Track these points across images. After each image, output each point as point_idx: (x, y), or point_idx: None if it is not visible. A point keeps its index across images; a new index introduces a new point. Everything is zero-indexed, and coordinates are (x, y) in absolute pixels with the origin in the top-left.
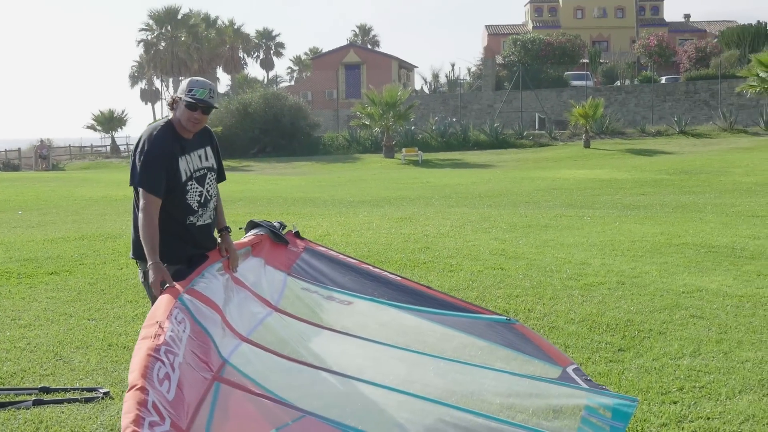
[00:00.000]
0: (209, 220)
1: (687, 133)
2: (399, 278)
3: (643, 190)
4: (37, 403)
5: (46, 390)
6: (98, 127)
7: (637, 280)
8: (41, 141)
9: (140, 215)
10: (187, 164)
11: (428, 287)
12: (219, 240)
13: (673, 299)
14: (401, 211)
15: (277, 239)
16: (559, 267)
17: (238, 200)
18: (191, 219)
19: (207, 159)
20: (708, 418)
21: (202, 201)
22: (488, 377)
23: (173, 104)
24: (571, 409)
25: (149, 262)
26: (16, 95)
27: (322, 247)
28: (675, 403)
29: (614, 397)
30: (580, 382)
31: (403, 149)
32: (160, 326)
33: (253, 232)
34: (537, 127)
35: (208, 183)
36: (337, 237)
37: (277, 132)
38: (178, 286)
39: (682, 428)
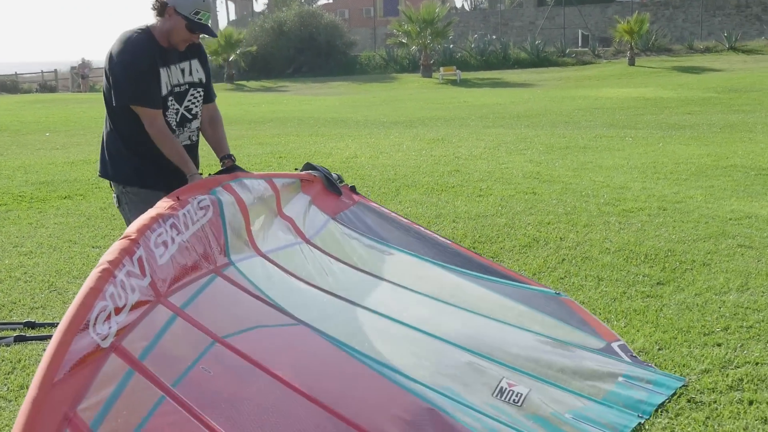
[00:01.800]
0: (188, 141)
1: (737, 49)
2: (450, 242)
3: (690, 109)
4: (19, 339)
5: (30, 325)
6: None
7: (680, 205)
8: (83, 60)
9: (152, 134)
10: (168, 77)
11: (479, 255)
12: (222, 167)
13: (719, 227)
14: (434, 132)
15: (330, 187)
16: (596, 191)
17: (268, 121)
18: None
19: (191, 73)
20: (756, 363)
21: (179, 120)
22: (520, 335)
23: (162, 10)
24: (607, 374)
25: (188, 174)
26: (53, 18)
27: (375, 203)
28: (719, 345)
29: (660, 374)
30: (623, 356)
31: (441, 68)
32: (177, 199)
33: (310, 171)
34: (580, 44)
35: (189, 100)
36: (364, 159)
37: (313, 51)
38: (220, 176)
39: (727, 375)
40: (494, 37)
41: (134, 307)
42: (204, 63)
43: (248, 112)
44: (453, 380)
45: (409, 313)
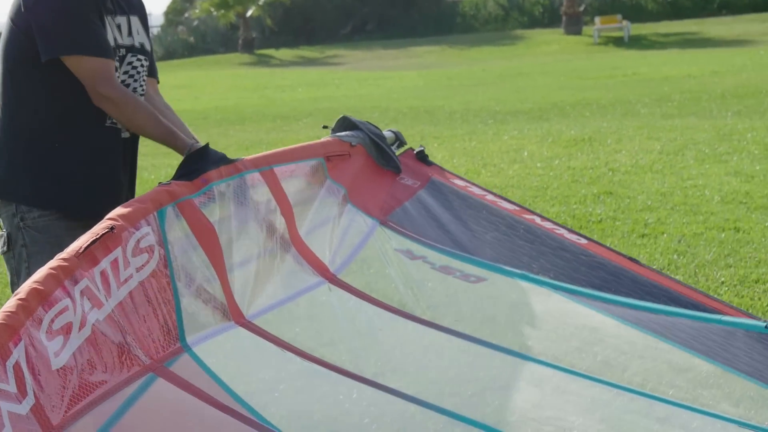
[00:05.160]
0: (124, 134)
1: None
2: (584, 241)
3: None
4: None
5: None
6: None
7: None
8: None
9: (115, 98)
10: (110, 30)
11: (633, 260)
12: None
13: None
14: (577, 128)
15: (382, 160)
16: None
17: (306, 115)
18: (111, 121)
19: (130, 33)
20: None
21: None
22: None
23: None
24: None
25: (184, 150)
26: None
27: (461, 179)
28: None
29: None
30: None
31: (597, 18)
32: (107, 235)
33: (344, 135)
34: None
35: (127, 72)
36: (460, 174)
37: None
38: (173, 186)
39: None
40: None
41: None
42: (145, 24)
43: (274, 101)
44: None
45: (502, 399)
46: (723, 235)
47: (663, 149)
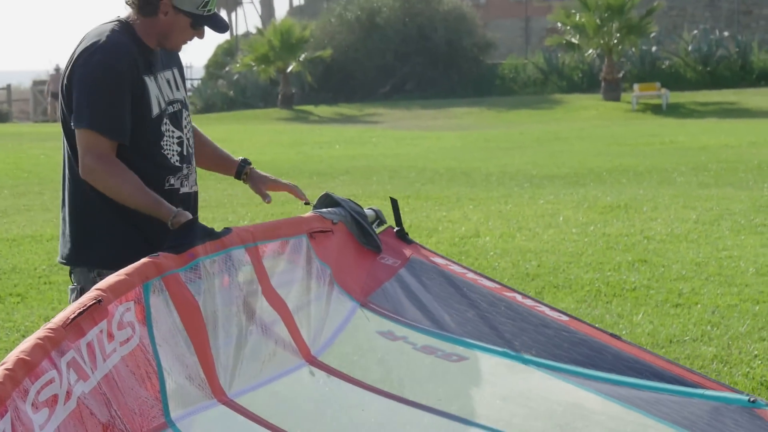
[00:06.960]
0: (195, 187)
1: None
2: (565, 317)
3: None
4: None
5: None
6: None
7: None
8: (57, 70)
9: (97, 169)
10: (159, 90)
11: (615, 336)
12: (246, 180)
13: None
14: (613, 195)
15: (363, 238)
16: None
17: (342, 173)
18: (171, 182)
19: (178, 88)
20: None
21: (183, 152)
22: None
23: (152, 9)
24: None
25: (169, 218)
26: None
27: (441, 257)
28: None
29: None
30: None
31: (636, 85)
32: (93, 307)
33: (326, 211)
34: None
35: (185, 125)
36: (489, 240)
37: (425, 58)
38: (161, 258)
39: None
40: (726, 34)
41: None
42: (183, 76)
43: (311, 158)
44: None
45: None
46: (757, 307)
47: (699, 219)
